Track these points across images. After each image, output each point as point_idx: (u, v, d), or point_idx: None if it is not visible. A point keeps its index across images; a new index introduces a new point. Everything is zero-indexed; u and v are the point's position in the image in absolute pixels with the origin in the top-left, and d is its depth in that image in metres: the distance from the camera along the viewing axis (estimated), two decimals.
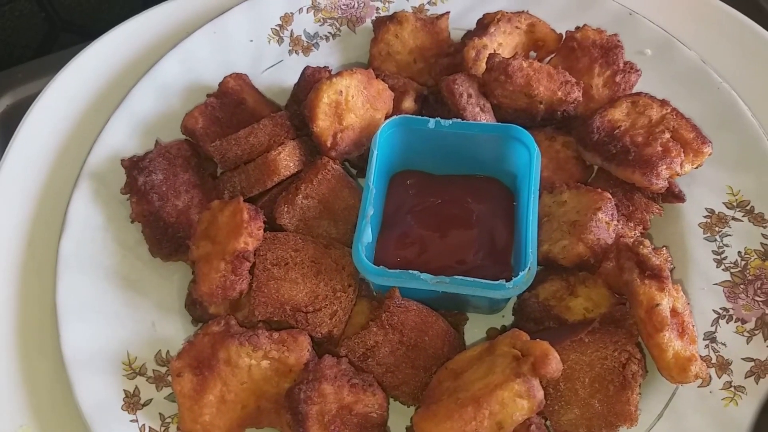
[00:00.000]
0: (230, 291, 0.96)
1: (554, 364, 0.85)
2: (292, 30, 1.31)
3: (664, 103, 1.12)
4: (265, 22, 1.31)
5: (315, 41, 1.32)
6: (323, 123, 1.08)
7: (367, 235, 1.02)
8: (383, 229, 1.12)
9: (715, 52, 1.25)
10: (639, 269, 0.95)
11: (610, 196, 1.04)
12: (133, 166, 1.12)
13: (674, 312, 0.93)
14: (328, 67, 1.22)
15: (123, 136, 1.19)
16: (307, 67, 1.20)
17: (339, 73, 1.10)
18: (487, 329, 1.08)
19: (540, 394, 0.85)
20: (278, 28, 1.31)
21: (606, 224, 1.01)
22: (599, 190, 1.06)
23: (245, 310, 1.01)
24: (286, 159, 1.07)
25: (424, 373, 0.98)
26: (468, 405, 0.84)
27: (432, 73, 1.25)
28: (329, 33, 1.33)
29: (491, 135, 1.10)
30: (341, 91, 1.08)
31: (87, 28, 1.72)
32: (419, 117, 1.10)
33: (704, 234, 1.10)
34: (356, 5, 1.34)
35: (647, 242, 0.97)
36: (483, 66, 1.16)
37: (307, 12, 1.33)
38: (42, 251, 1.13)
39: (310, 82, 1.16)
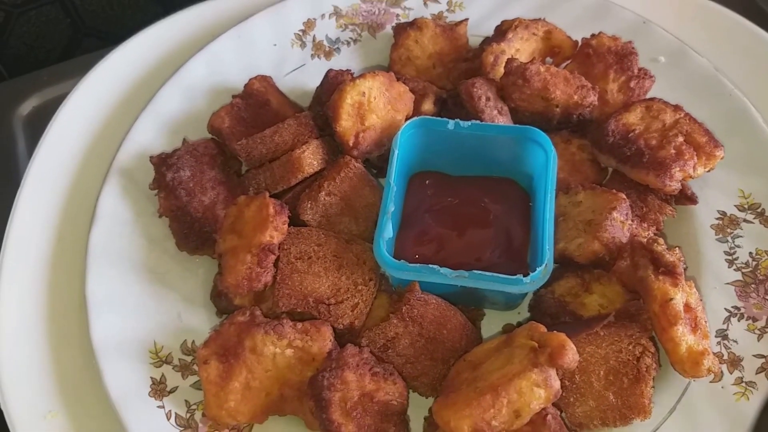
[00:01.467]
0: (255, 282, 0.99)
1: (571, 355, 0.88)
2: (314, 35, 1.35)
3: (677, 108, 1.15)
4: (288, 27, 1.35)
5: (337, 46, 1.36)
6: (346, 123, 1.11)
7: (387, 231, 1.05)
8: (402, 227, 1.15)
9: (726, 60, 1.28)
10: (653, 266, 0.97)
11: (625, 197, 1.07)
12: (162, 162, 1.15)
13: (687, 307, 0.95)
14: (350, 70, 1.25)
15: (150, 134, 1.22)
16: (330, 70, 1.23)
17: (362, 75, 1.13)
18: (504, 325, 1.10)
19: (557, 383, 0.87)
20: (301, 33, 1.35)
21: (621, 223, 1.04)
22: (614, 191, 1.09)
23: (269, 302, 1.04)
24: (310, 157, 1.10)
25: (443, 365, 1.01)
26: (486, 393, 0.86)
27: (450, 77, 1.29)
28: (350, 38, 1.37)
29: (509, 137, 1.13)
30: (364, 93, 1.12)
31: (110, 33, 1.77)
32: (439, 118, 1.14)
33: (716, 235, 1.13)
34: (377, 12, 1.38)
35: (661, 240, 1.00)
36: (501, 71, 1.20)
37: (330, 18, 1.37)
38: (71, 245, 1.16)
39: (333, 84, 1.19)
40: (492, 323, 1.11)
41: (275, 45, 1.34)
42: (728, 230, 1.13)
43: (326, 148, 1.14)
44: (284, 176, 1.10)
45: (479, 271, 1.00)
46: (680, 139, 1.10)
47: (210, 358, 0.95)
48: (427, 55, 1.30)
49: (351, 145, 1.12)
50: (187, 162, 1.15)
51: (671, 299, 0.93)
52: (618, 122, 1.12)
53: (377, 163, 1.21)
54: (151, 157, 1.17)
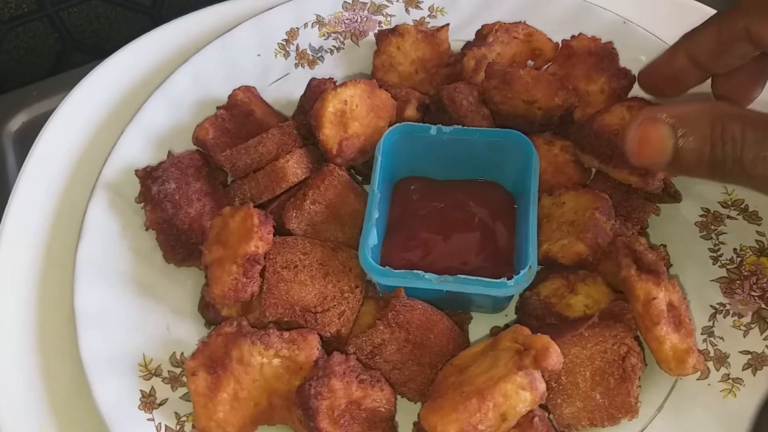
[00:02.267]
0: (242, 293, 0.99)
1: (555, 357, 0.88)
2: (297, 44, 1.36)
3: None
4: (271, 37, 1.36)
5: (320, 54, 1.36)
6: (329, 131, 1.12)
7: (372, 238, 1.05)
8: (388, 233, 1.16)
9: None
10: (636, 265, 0.98)
11: (608, 197, 1.08)
12: (147, 175, 1.16)
13: (671, 306, 0.96)
14: (332, 78, 1.26)
15: (136, 147, 1.23)
16: (312, 79, 1.24)
17: (343, 84, 1.14)
18: (491, 328, 1.11)
19: (542, 386, 0.88)
20: (284, 43, 1.36)
21: (604, 223, 1.05)
22: (597, 191, 1.09)
23: (256, 312, 1.05)
24: (294, 166, 1.11)
25: (430, 370, 1.01)
26: (472, 397, 0.87)
27: (433, 82, 1.29)
28: (333, 46, 1.37)
29: (491, 140, 1.14)
30: (346, 101, 1.13)
31: (98, 47, 1.78)
32: (421, 124, 1.14)
33: (700, 232, 1.13)
34: (359, 19, 1.39)
35: (643, 239, 1.01)
36: (482, 75, 1.20)
37: (312, 27, 1.38)
38: (60, 259, 1.17)
39: (316, 93, 1.20)
40: (480, 326, 1.12)
41: (259, 55, 1.34)
42: (712, 227, 1.13)
43: (311, 156, 1.15)
44: (269, 186, 1.11)
45: (464, 276, 1.01)
46: None
47: (198, 369, 0.95)
48: (409, 61, 1.30)
49: (335, 153, 1.13)
50: (173, 174, 1.16)
51: (654, 298, 0.94)
52: (599, 123, 1.13)
53: (362, 170, 1.22)
54: (136, 171, 1.18)
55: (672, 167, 0.84)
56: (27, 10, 1.62)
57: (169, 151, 1.22)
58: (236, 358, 0.95)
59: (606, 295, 1.04)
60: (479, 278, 1.00)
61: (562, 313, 1.04)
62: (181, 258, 1.12)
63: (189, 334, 1.09)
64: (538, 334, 0.91)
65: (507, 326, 1.10)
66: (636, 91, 1.23)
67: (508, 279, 1.00)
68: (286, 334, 0.97)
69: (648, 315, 0.94)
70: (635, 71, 1.24)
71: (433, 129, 1.13)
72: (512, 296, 1.10)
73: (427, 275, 1.01)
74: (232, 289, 0.99)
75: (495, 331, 1.10)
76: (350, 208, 1.13)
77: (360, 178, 1.24)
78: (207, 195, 1.17)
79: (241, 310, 1.05)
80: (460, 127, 1.14)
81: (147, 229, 1.15)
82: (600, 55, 1.21)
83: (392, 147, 1.14)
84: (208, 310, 1.06)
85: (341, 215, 1.13)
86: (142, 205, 1.16)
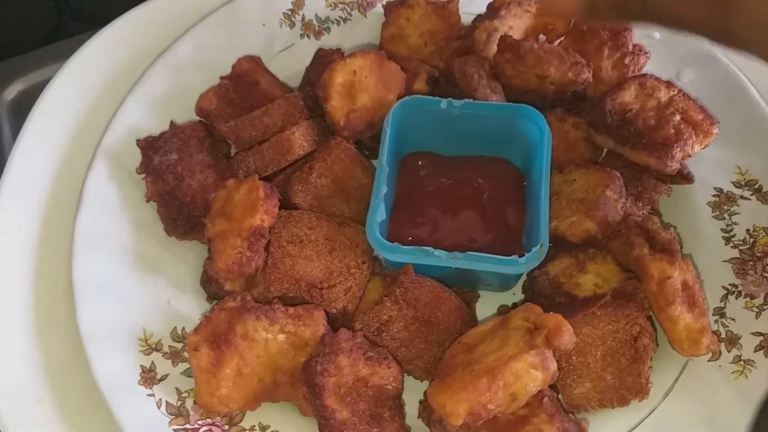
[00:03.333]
0: (246, 267, 0.97)
1: (567, 336, 0.87)
2: (303, 14, 1.32)
3: (669, 84, 1.13)
4: (277, 7, 1.32)
5: (326, 25, 1.33)
6: (337, 103, 1.09)
7: (380, 213, 1.03)
8: (395, 209, 1.13)
9: None
10: (649, 245, 0.96)
11: (619, 175, 1.06)
12: (149, 146, 1.13)
13: (685, 285, 0.94)
14: (341, 49, 1.23)
15: (138, 116, 1.19)
16: (319, 49, 1.21)
17: (352, 54, 1.11)
18: (499, 306, 1.09)
19: (553, 365, 0.86)
20: (290, 13, 1.32)
21: (614, 201, 1.03)
22: (608, 168, 1.07)
23: (260, 287, 1.03)
24: (301, 138, 1.08)
25: (438, 348, 1.00)
26: (482, 376, 0.85)
27: (443, 56, 1.26)
28: (340, 17, 1.34)
29: (502, 114, 1.11)
30: (355, 72, 1.10)
31: (96, 16, 1.74)
32: (431, 97, 1.12)
33: (713, 213, 1.11)
34: None
35: (656, 219, 0.99)
36: (494, 48, 1.18)
37: None
38: (58, 231, 1.14)
39: (323, 63, 1.17)
40: (487, 305, 1.10)
41: (264, 25, 1.31)
42: (725, 207, 1.11)
43: (317, 129, 1.12)
44: (274, 158, 1.08)
45: (474, 253, 0.99)
46: (678, 117, 1.08)
47: (200, 344, 0.93)
48: (418, 33, 1.27)
49: (342, 125, 1.10)
50: (175, 145, 1.13)
51: (669, 278, 0.92)
52: (614, 102, 1.10)
53: (369, 144, 1.19)
54: (137, 141, 1.14)
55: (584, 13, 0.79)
56: None
57: (171, 121, 1.19)
58: (240, 333, 0.93)
59: (616, 274, 1.02)
60: (490, 255, 0.98)
61: (571, 292, 1.02)
62: (183, 231, 1.09)
63: (190, 308, 1.06)
64: (550, 312, 0.89)
65: (515, 305, 1.09)
66: (649, 67, 1.21)
67: (519, 257, 0.98)
68: (291, 310, 0.95)
69: (662, 294, 0.92)
70: (649, 47, 1.22)
71: (444, 102, 1.11)
72: (521, 275, 1.08)
73: (437, 252, 0.99)
74: (237, 263, 0.96)
75: (503, 310, 1.08)
76: (357, 182, 1.11)
77: (367, 153, 1.21)
78: (210, 167, 1.14)
79: (244, 285, 1.02)
80: (471, 101, 1.11)
81: (147, 201, 1.12)
82: (614, 30, 1.19)
83: (401, 120, 1.11)
84: (210, 285, 1.04)
85: (348, 189, 1.10)
86: (143, 176, 1.13)
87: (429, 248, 0.99)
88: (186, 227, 1.09)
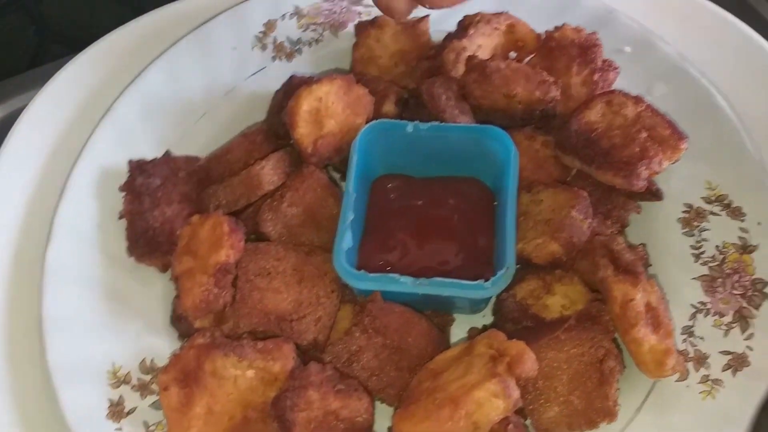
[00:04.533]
0: (214, 304, 0.98)
1: (529, 364, 0.87)
2: (275, 36, 1.33)
3: (638, 99, 1.12)
4: (248, 30, 1.32)
5: (298, 47, 1.33)
6: (304, 130, 1.10)
7: (347, 241, 1.03)
8: (366, 233, 1.14)
9: (694, 47, 1.26)
10: (613, 266, 0.96)
11: (586, 194, 1.06)
12: (137, 167, 1.15)
13: (649, 307, 0.95)
14: (313, 76, 1.23)
15: (108, 145, 1.20)
16: (293, 76, 1.22)
17: (318, 80, 1.11)
18: (469, 329, 1.09)
19: (516, 393, 0.87)
20: (261, 35, 1.33)
21: (580, 222, 1.03)
22: (575, 188, 1.07)
23: (230, 322, 1.03)
24: (270, 173, 1.09)
25: (409, 375, 0.99)
26: (445, 406, 0.86)
27: (413, 75, 1.26)
28: (312, 38, 1.34)
29: (469, 136, 1.11)
30: (321, 98, 1.10)
31: (77, 39, 1.74)
32: (397, 121, 1.12)
33: (683, 229, 1.11)
34: (338, 10, 1.35)
35: (621, 239, 0.99)
36: (462, 68, 1.18)
37: (290, 18, 1.34)
38: (31, 262, 1.14)
39: (295, 89, 1.17)
40: (461, 327, 1.10)
41: (235, 48, 1.31)
42: (695, 223, 1.11)
43: (287, 159, 1.12)
44: (244, 193, 1.09)
45: (440, 278, 0.99)
46: (644, 134, 1.08)
47: (170, 384, 0.94)
48: (389, 53, 1.27)
49: (310, 152, 1.11)
50: (162, 172, 1.15)
51: (632, 300, 0.93)
52: (580, 122, 1.10)
53: (340, 166, 1.20)
54: (129, 161, 1.17)
55: None
56: (2, 3, 1.59)
57: (167, 150, 1.20)
58: (209, 370, 0.94)
59: (583, 295, 1.02)
60: (455, 281, 0.99)
61: (539, 314, 1.02)
62: (141, 253, 1.10)
63: (160, 340, 1.07)
64: (514, 339, 0.90)
65: (485, 327, 1.09)
66: (620, 81, 1.21)
67: (486, 280, 0.98)
68: (260, 344, 0.95)
69: (625, 317, 0.93)
70: (620, 62, 1.22)
71: (410, 126, 1.11)
72: (491, 297, 1.08)
73: (403, 278, 0.99)
74: (204, 300, 0.97)
75: (473, 333, 1.08)
76: (328, 211, 1.11)
77: (339, 175, 1.21)
78: (189, 201, 1.14)
79: (214, 321, 1.03)
80: (437, 123, 1.11)
81: (120, 218, 1.14)
82: (583, 46, 1.18)
83: (368, 144, 1.12)
84: (180, 323, 1.04)
85: (318, 218, 1.11)
86: (120, 200, 1.14)
87: (395, 275, 1.00)
88: (145, 250, 1.10)
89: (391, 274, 1.00)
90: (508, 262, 0.99)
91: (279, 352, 0.95)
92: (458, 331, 1.10)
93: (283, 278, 1.03)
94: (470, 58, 1.14)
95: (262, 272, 1.02)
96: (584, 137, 1.10)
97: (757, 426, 0.96)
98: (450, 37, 1.23)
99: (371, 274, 1.00)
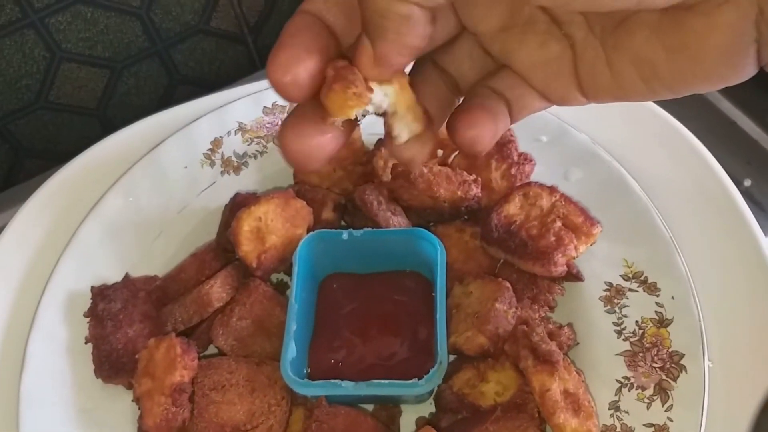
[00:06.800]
0: (173, 422, 1.06)
1: None
2: (222, 152, 1.44)
3: (552, 190, 1.22)
4: (197, 149, 1.43)
5: (244, 160, 1.44)
6: (247, 248, 1.19)
7: (291, 351, 1.11)
8: (316, 334, 1.22)
9: (608, 132, 1.37)
10: (533, 356, 1.05)
11: (508, 285, 1.15)
12: (99, 293, 1.24)
13: (566, 393, 1.03)
14: (255, 193, 1.33)
15: (73, 271, 1.29)
16: (237, 195, 1.32)
17: (257, 200, 1.21)
18: (417, 418, 1.17)
19: None
20: (210, 152, 1.44)
21: (504, 312, 1.11)
22: (499, 279, 1.16)
23: None
24: (219, 290, 1.18)
25: None
26: None
27: (351, 180, 1.37)
28: (257, 151, 1.45)
29: (400, 238, 1.21)
30: (260, 217, 1.20)
31: (50, 150, 1.86)
32: (333, 231, 1.22)
33: (605, 307, 1.19)
34: (279, 122, 1.46)
35: (540, 329, 1.07)
36: (390, 173, 1.28)
37: (236, 134, 1.45)
38: (7, 390, 1.21)
39: (240, 207, 1.27)
40: (410, 416, 1.17)
41: (186, 167, 1.42)
42: (615, 301, 1.19)
43: (235, 275, 1.21)
44: (197, 311, 1.18)
45: (377, 380, 1.07)
46: (558, 224, 1.18)
47: None
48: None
49: (255, 266, 1.20)
50: (122, 295, 1.23)
51: (548, 390, 1.00)
52: (500, 216, 1.20)
53: (289, 272, 1.29)
54: (92, 288, 1.25)
55: None
56: None
57: (126, 274, 1.29)
58: None
59: (515, 380, 1.09)
60: (392, 381, 1.07)
61: (476, 402, 1.09)
62: (107, 375, 1.17)
63: None
64: None
65: (432, 415, 1.17)
66: (540, 168, 1.31)
67: (419, 378, 1.07)
68: None
69: (545, 405, 1.01)
70: (538, 151, 1.32)
71: (345, 234, 1.20)
72: (432, 389, 1.16)
73: (344, 383, 1.07)
74: (164, 419, 1.05)
75: (420, 423, 1.16)
76: (277, 319, 1.20)
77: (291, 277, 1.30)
78: (150, 319, 1.22)
79: None
80: (369, 229, 1.21)
81: (86, 343, 1.21)
82: (499, 143, 1.29)
83: (310, 252, 1.21)
84: None
85: (268, 328, 1.20)
86: (86, 324, 1.22)
87: (336, 381, 1.08)
88: (111, 372, 1.17)
89: (333, 380, 1.08)
90: (441, 357, 1.08)
91: None
92: (407, 420, 1.17)
93: (236, 390, 1.11)
94: (395, 166, 1.25)
95: (216, 386, 1.10)
96: (504, 230, 1.19)
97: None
98: (379, 144, 1.34)
99: (315, 381, 1.08)
